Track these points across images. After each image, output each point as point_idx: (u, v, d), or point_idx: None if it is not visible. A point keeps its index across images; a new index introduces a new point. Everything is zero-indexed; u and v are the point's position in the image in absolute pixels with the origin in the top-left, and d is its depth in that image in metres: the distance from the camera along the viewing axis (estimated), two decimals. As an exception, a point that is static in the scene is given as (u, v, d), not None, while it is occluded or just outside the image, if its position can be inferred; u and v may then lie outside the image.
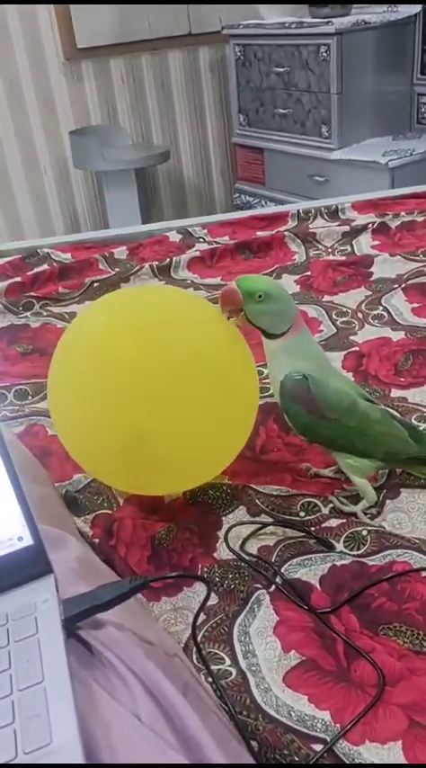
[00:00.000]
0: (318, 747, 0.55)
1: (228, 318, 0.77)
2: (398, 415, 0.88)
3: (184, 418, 0.72)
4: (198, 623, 0.67)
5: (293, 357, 0.76)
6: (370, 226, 1.55)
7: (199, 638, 0.65)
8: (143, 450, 0.72)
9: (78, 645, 0.48)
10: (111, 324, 0.76)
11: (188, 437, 0.73)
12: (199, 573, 0.72)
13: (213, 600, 0.70)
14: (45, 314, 1.31)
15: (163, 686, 0.46)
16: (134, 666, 0.47)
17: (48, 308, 1.33)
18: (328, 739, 0.56)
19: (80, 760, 0.37)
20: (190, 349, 0.74)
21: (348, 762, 0.54)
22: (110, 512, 0.81)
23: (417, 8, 2.66)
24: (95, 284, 1.39)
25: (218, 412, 0.74)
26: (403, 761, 0.54)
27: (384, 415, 0.78)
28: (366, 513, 0.79)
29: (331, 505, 0.80)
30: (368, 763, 0.54)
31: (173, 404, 0.71)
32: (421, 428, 0.81)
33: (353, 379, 1.03)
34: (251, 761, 0.52)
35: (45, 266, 1.46)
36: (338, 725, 0.57)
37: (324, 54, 2.65)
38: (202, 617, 0.68)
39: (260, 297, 0.74)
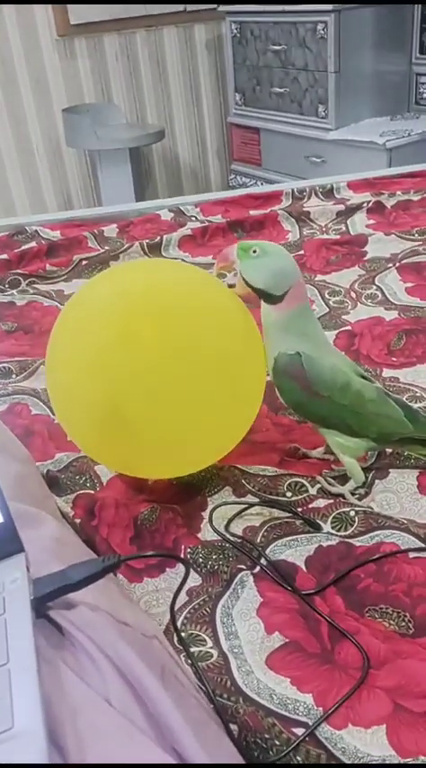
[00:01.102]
0: (300, 731, 0.54)
1: (224, 278, 0.76)
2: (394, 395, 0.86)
3: (188, 404, 0.69)
4: (180, 605, 0.65)
5: (290, 333, 0.74)
6: (365, 205, 1.52)
7: (180, 620, 0.64)
8: (137, 434, 0.70)
9: (48, 626, 0.46)
10: (127, 302, 0.71)
11: (189, 422, 0.71)
12: (182, 554, 0.70)
13: (196, 581, 0.68)
14: (31, 291, 1.28)
15: (136, 668, 0.44)
16: (106, 648, 0.45)
17: (35, 285, 1.30)
18: (310, 723, 0.54)
19: (43, 746, 0.35)
20: (202, 337, 0.70)
21: (329, 746, 0.53)
22: (92, 492, 0.79)
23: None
24: (84, 262, 1.36)
25: (222, 401, 0.72)
26: (386, 746, 0.52)
27: (379, 395, 0.76)
28: (353, 494, 0.77)
29: (318, 486, 0.79)
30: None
31: (176, 389, 0.69)
32: (415, 408, 0.79)
33: (345, 358, 1.01)
34: (229, 745, 0.51)
35: (33, 244, 1.43)
36: (321, 708, 0.55)
37: (322, 32, 2.61)
38: (185, 598, 0.66)
39: (254, 251, 0.73)
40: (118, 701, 0.41)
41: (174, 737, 0.42)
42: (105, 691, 0.42)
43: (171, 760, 0.38)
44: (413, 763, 0.50)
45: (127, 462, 0.76)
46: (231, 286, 0.77)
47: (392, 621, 0.62)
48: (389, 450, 0.82)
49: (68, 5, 2.84)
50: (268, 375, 0.78)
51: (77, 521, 0.75)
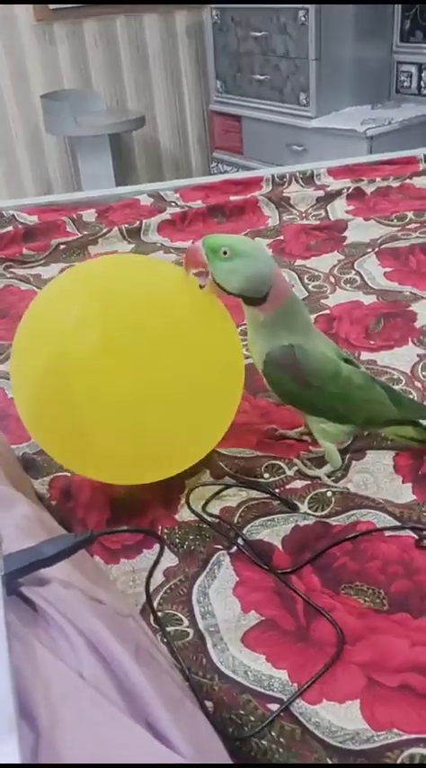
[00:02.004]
0: (274, 707, 0.54)
1: (200, 286, 0.70)
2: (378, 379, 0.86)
3: (151, 412, 0.66)
4: (156, 585, 0.65)
5: (280, 330, 0.72)
6: (345, 191, 1.52)
7: (157, 600, 0.64)
8: (97, 439, 0.67)
9: (21, 603, 0.46)
10: (80, 312, 0.67)
11: (154, 428, 0.67)
12: (159, 548, 0.70)
13: (173, 562, 0.68)
14: (8, 276, 1.27)
15: (109, 644, 0.44)
16: (79, 623, 0.44)
17: (12, 269, 1.29)
18: (285, 699, 0.54)
19: (13, 718, 0.35)
20: (171, 345, 0.66)
21: (304, 721, 0.53)
22: (68, 474, 0.78)
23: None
24: (61, 246, 1.35)
25: (188, 411, 0.68)
26: (360, 719, 0.53)
27: (366, 380, 0.76)
28: (330, 477, 0.77)
29: (296, 468, 0.79)
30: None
31: (139, 395, 0.65)
32: (398, 390, 0.79)
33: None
34: (204, 721, 0.50)
35: (9, 228, 1.42)
36: (295, 684, 0.56)
37: (303, 18, 2.59)
38: (161, 578, 0.66)
39: (225, 253, 0.67)
40: (90, 675, 0.41)
41: (147, 710, 0.41)
42: (77, 664, 0.42)
43: (141, 730, 0.38)
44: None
45: (86, 465, 0.72)
46: (201, 286, 0.71)
47: (367, 598, 0.62)
48: (366, 432, 0.82)
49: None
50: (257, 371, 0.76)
51: (53, 502, 0.75)
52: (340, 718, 0.53)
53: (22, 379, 0.70)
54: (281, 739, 0.52)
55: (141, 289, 0.70)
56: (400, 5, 2.69)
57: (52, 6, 2.84)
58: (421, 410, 0.78)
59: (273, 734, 0.52)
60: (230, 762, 0.46)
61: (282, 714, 0.54)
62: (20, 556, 0.45)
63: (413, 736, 0.51)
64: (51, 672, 0.40)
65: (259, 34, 2.78)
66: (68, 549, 0.46)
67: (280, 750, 0.51)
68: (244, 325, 0.75)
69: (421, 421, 0.77)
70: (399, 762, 0.49)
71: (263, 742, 0.52)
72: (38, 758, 0.36)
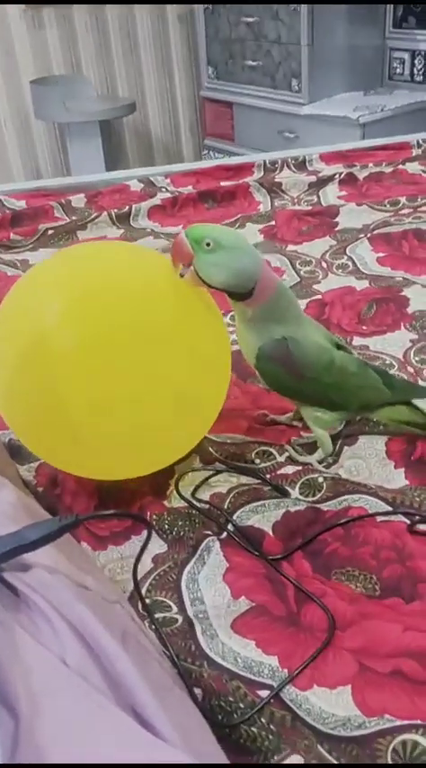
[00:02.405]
0: (264, 693, 0.53)
1: (182, 276, 0.67)
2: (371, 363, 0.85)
3: (134, 404, 0.64)
4: (145, 572, 0.64)
5: (272, 324, 0.70)
6: (337, 176, 1.51)
7: (145, 587, 0.63)
8: (78, 431, 0.64)
9: (3, 589, 0.45)
10: (61, 304, 0.65)
11: (135, 423, 0.65)
12: (147, 532, 0.68)
13: (162, 548, 0.67)
14: (-5, 261, 1.25)
15: (94, 629, 0.43)
16: (63, 609, 0.43)
17: (-1, 255, 1.27)
18: (275, 685, 0.54)
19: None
20: (152, 335, 0.64)
21: (294, 707, 0.52)
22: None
23: None
24: (50, 231, 1.33)
25: (170, 403, 0.66)
26: (351, 705, 0.52)
27: (360, 367, 0.75)
28: (321, 463, 0.76)
29: (287, 454, 0.78)
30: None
31: (122, 386, 0.63)
32: (390, 373, 0.78)
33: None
34: (193, 708, 0.50)
35: (-3, 213, 1.39)
36: (286, 670, 0.55)
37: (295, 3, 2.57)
38: (150, 565, 0.65)
39: (208, 245, 0.64)
40: (74, 662, 0.40)
41: (133, 697, 0.40)
42: (61, 651, 0.41)
43: (127, 718, 0.37)
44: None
45: (69, 461, 0.70)
46: (181, 275, 0.69)
47: (359, 584, 0.61)
48: (358, 418, 0.81)
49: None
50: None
51: (40, 489, 0.74)
52: (331, 705, 0.52)
53: (0, 375, 0.67)
54: (271, 726, 0.51)
55: (123, 278, 0.68)
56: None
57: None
58: (414, 390, 0.78)
59: (263, 720, 0.51)
60: (218, 748, 0.45)
61: (272, 701, 0.53)
62: (2, 541, 0.44)
63: (405, 722, 0.50)
64: (33, 658, 0.39)
65: (251, 20, 2.75)
66: (52, 534, 0.45)
67: (270, 737, 0.51)
68: (231, 311, 0.74)
69: (414, 402, 0.76)
70: (391, 747, 0.49)
71: (253, 729, 0.51)
72: (18, 746, 0.35)
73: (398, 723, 0.50)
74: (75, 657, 0.41)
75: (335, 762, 0.49)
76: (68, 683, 0.38)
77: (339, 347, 0.75)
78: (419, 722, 0.50)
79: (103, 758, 0.34)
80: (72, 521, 0.45)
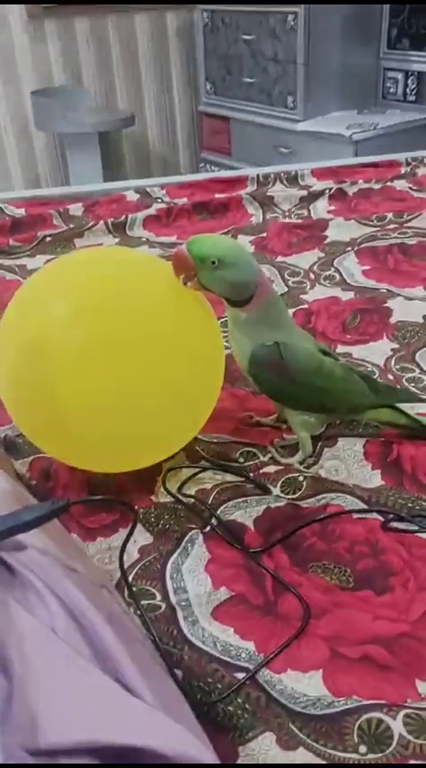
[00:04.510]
0: (241, 676, 0.56)
1: (184, 283, 0.71)
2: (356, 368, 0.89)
3: (129, 400, 0.67)
4: (131, 562, 0.67)
5: (262, 327, 0.73)
6: (328, 191, 1.55)
7: (131, 576, 0.66)
8: (73, 424, 0.68)
9: (-2, 566, 0.48)
10: (63, 305, 0.68)
11: (130, 419, 0.68)
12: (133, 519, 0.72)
13: (148, 540, 0.70)
14: (-6, 266, 1.28)
15: (83, 606, 0.46)
16: (54, 586, 0.47)
17: (-2, 260, 1.31)
18: (251, 668, 0.57)
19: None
20: (149, 333, 0.67)
21: (268, 688, 0.55)
22: (49, 455, 0.80)
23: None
24: (48, 238, 1.37)
25: (167, 401, 0.69)
26: (322, 687, 0.55)
27: (346, 372, 0.78)
28: (302, 464, 0.80)
29: (270, 455, 0.81)
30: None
31: (117, 384, 0.66)
32: (375, 377, 0.82)
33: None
34: (173, 686, 0.53)
35: (-4, 219, 1.43)
36: (262, 654, 0.58)
37: (292, 22, 2.63)
38: (136, 556, 0.68)
39: (213, 263, 0.69)
40: (62, 633, 0.43)
41: (118, 669, 0.44)
42: (51, 622, 0.44)
43: (112, 682, 0.40)
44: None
45: (65, 451, 0.74)
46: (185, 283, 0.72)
47: (333, 576, 0.65)
48: (338, 421, 0.85)
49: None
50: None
51: (33, 482, 0.77)
52: (303, 686, 0.55)
53: (4, 367, 0.71)
54: (247, 705, 0.54)
55: (123, 281, 0.71)
56: (388, 13, 2.73)
57: (44, 4, 2.85)
58: (396, 394, 0.82)
59: (239, 700, 0.55)
60: (196, 723, 0.48)
61: (248, 682, 0.56)
62: (-2, 521, 0.47)
63: (372, 701, 0.53)
64: (25, 626, 0.42)
65: (249, 37, 2.82)
66: (45, 516, 0.48)
67: (246, 716, 0.54)
68: (225, 317, 0.77)
69: (398, 405, 0.80)
70: (357, 725, 0.52)
71: (230, 708, 0.54)
72: (11, 706, 0.38)
73: (364, 702, 0.53)
74: (65, 629, 0.44)
75: (305, 737, 0.52)
76: (57, 649, 0.41)
77: (325, 353, 0.79)
78: (383, 702, 0.53)
79: (89, 715, 0.37)
80: (64, 504, 0.49)
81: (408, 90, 2.79)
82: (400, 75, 2.79)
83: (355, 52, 2.76)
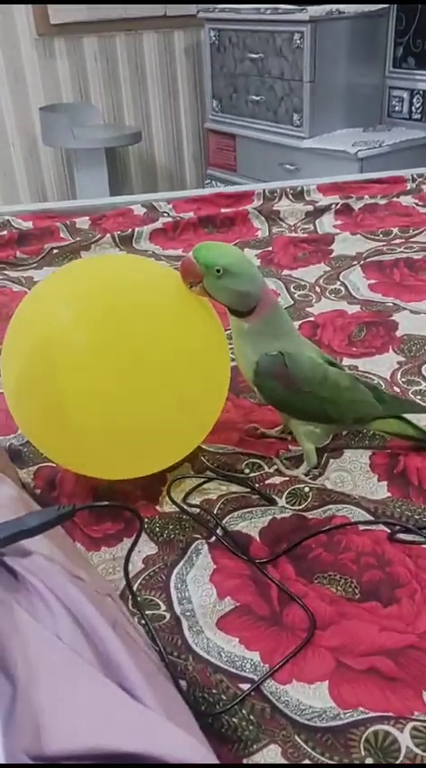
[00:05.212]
0: (246, 687, 0.56)
1: (190, 287, 0.71)
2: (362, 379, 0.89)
3: (135, 407, 0.67)
4: (136, 572, 0.67)
5: (265, 337, 0.74)
6: (334, 206, 1.56)
7: (136, 586, 0.65)
8: (79, 431, 0.68)
9: (2, 570, 0.48)
10: (69, 311, 0.69)
11: (134, 425, 0.68)
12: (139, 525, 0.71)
13: (153, 550, 0.70)
14: (1, 277, 1.29)
15: (87, 613, 0.46)
16: (59, 592, 0.46)
17: (5, 272, 1.31)
18: (256, 679, 0.56)
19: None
20: (154, 341, 0.68)
21: (273, 700, 0.55)
22: (53, 464, 0.80)
23: None
24: (54, 251, 1.38)
25: (170, 409, 0.69)
26: (328, 699, 0.54)
27: (352, 382, 0.78)
28: (307, 475, 0.79)
29: (275, 466, 0.81)
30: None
31: (121, 390, 0.66)
32: (381, 388, 0.82)
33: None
34: (177, 696, 0.52)
35: (4, 232, 1.44)
36: (267, 665, 0.57)
37: (298, 41, 2.66)
38: (140, 566, 0.68)
39: (218, 272, 0.69)
40: (67, 639, 0.43)
41: (122, 675, 0.43)
42: (56, 629, 0.43)
43: (116, 688, 0.39)
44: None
45: (71, 459, 0.74)
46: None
47: (339, 587, 0.64)
48: (344, 432, 0.84)
49: (49, 4, 2.85)
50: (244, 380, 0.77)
51: (38, 491, 0.77)
52: (308, 698, 0.55)
53: (11, 373, 0.71)
54: (251, 717, 0.54)
55: (131, 288, 0.72)
56: (393, 33, 2.76)
57: (53, 21, 2.89)
58: (402, 405, 0.81)
59: (244, 712, 0.54)
60: (200, 733, 0.48)
61: (253, 693, 0.55)
62: (3, 526, 0.47)
63: (378, 714, 0.53)
64: (29, 632, 0.42)
65: (255, 56, 2.85)
66: (51, 521, 0.48)
67: (250, 727, 0.53)
68: (229, 329, 0.78)
69: (405, 415, 0.80)
70: (364, 737, 0.51)
71: (234, 719, 0.54)
72: (15, 710, 0.38)
73: (371, 715, 0.53)
74: (69, 635, 0.43)
75: (310, 750, 0.51)
76: (61, 654, 0.41)
77: (331, 364, 0.79)
78: (391, 714, 0.53)
79: (93, 722, 0.37)
80: (69, 510, 0.49)
81: (413, 108, 2.81)
82: (405, 94, 2.82)
83: (361, 71, 2.79)
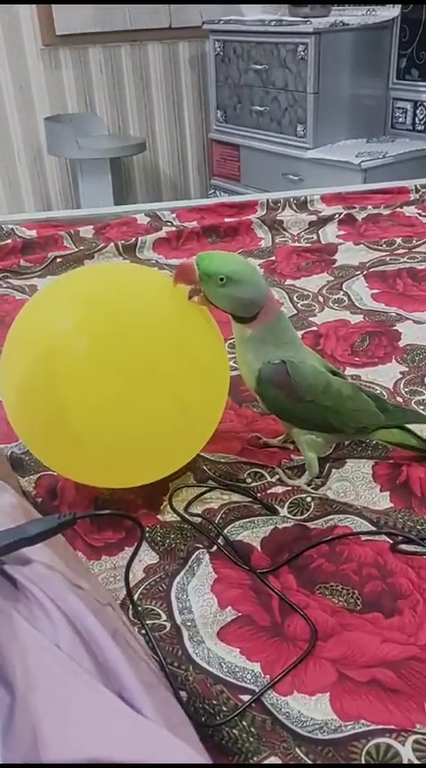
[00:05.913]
0: (247, 698, 0.55)
1: (190, 298, 0.71)
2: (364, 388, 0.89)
3: (135, 415, 0.67)
4: (136, 581, 0.67)
5: (268, 345, 0.74)
6: (337, 216, 1.56)
7: (136, 596, 0.65)
8: (81, 440, 0.68)
9: (2, 579, 0.47)
10: (69, 320, 0.69)
11: (136, 433, 0.68)
12: (139, 533, 0.71)
13: (153, 559, 0.69)
14: (4, 285, 1.29)
15: (87, 622, 0.46)
16: (59, 601, 0.46)
17: (8, 280, 1.32)
18: (257, 690, 0.56)
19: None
20: (155, 350, 0.68)
21: (274, 711, 0.54)
22: (54, 473, 0.80)
23: (395, 12, 2.70)
24: (58, 259, 1.38)
25: (172, 417, 0.69)
26: (329, 711, 0.54)
27: (354, 391, 0.78)
28: (309, 485, 0.79)
29: (277, 476, 0.81)
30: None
31: (123, 399, 0.66)
32: (383, 398, 0.82)
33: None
34: (177, 707, 0.52)
35: (8, 241, 1.45)
36: (268, 676, 0.57)
37: (302, 53, 2.67)
38: (141, 575, 0.68)
39: (222, 279, 0.69)
40: (67, 648, 0.43)
41: (122, 685, 0.43)
42: (55, 637, 0.43)
43: (115, 698, 0.39)
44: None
45: (72, 468, 0.74)
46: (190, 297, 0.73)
47: (341, 598, 0.64)
48: (347, 442, 0.84)
49: (55, 14, 2.87)
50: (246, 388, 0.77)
51: (39, 500, 0.76)
52: (309, 710, 0.54)
53: (11, 382, 0.71)
54: (252, 729, 0.53)
55: (130, 297, 0.72)
56: (397, 45, 2.77)
57: (59, 32, 2.91)
58: (405, 415, 0.81)
59: (244, 723, 0.54)
60: (200, 745, 0.48)
61: (254, 705, 0.55)
62: (4, 534, 0.47)
63: (380, 726, 0.52)
64: (29, 641, 0.42)
65: (259, 67, 2.86)
66: (52, 530, 0.48)
67: (251, 739, 0.53)
68: (232, 338, 0.78)
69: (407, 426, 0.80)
70: (365, 750, 0.51)
71: (234, 731, 0.53)
72: (13, 719, 0.37)
73: (373, 727, 0.52)
74: (68, 644, 0.43)
75: (310, 762, 0.51)
76: (60, 664, 0.40)
77: (333, 373, 0.79)
78: (393, 727, 0.52)
79: (92, 732, 0.37)
80: (70, 518, 0.48)
81: (417, 119, 2.82)
82: (409, 105, 2.83)
83: (364, 82, 2.80)
